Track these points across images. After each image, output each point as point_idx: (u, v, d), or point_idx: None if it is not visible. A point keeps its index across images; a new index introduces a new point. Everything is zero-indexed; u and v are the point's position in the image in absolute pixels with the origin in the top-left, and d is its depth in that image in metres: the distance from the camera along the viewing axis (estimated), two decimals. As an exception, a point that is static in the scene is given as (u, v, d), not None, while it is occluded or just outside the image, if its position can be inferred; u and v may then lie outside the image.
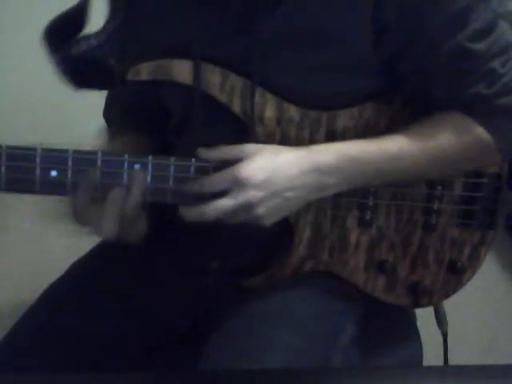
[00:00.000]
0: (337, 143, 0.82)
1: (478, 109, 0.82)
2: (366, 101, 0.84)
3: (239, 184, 0.76)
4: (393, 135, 0.82)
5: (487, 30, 0.78)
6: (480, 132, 0.82)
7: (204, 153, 0.79)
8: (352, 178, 0.81)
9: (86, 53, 0.81)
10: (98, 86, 0.89)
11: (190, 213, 0.78)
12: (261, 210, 0.77)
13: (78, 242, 0.81)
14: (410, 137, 0.82)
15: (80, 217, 0.78)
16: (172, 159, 0.78)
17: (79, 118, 1.01)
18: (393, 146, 0.82)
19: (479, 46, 0.78)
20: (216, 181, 0.77)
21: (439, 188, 0.89)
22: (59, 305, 0.91)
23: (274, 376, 0.72)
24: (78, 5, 0.82)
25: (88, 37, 0.82)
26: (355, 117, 0.84)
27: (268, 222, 0.79)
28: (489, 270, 0.95)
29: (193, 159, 0.79)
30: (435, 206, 0.90)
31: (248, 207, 0.76)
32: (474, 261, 0.94)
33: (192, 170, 0.79)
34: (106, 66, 0.82)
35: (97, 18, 0.86)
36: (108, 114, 1.01)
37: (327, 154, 0.80)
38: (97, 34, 0.83)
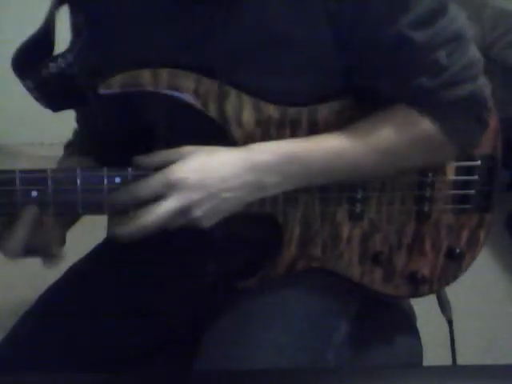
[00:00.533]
0: (277, 142, 0.79)
1: (422, 101, 0.79)
2: (347, 93, 0.82)
3: (172, 187, 0.72)
4: (337, 132, 0.80)
5: (431, 18, 0.75)
6: (426, 125, 0.80)
7: (140, 160, 0.75)
8: (294, 176, 0.79)
9: (56, 74, 0.80)
10: (74, 105, 0.88)
11: (125, 229, 0.73)
12: (197, 213, 0.74)
13: (77, 242, 0.81)
14: (354, 133, 0.80)
15: None
16: (105, 169, 0.74)
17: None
18: (336, 143, 0.80)
19: (421, 35, 0.75)
20: (147, 185, 0.73)
21: (430, 175, 0.89)
22: (59, 306, 0.91)
23: (275, 376, 0.72)
24: (42, 28, 0.82)
25: (56, 58, 0.81)
26: (336, 110, 0.82)
27: (207, 224, 0.76)
28: (489, 270, 0.95)
29: (129, 168, 0.75)
30: (427, 194, 0.89)
31: (183, 210, 0.73)
32: (473, 246, 0.93)
33: (130, 179, 0.75)
34: (77, 85, 0.81)
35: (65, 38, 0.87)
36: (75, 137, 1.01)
37: (265, 152, 0.78)
38: (64, 54, 0.82)
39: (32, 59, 0.81)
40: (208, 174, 0.74)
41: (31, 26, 0.83)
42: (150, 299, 0.93)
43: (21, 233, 0.72)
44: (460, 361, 1.07)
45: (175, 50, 0.78)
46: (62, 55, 0.82)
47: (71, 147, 0.99)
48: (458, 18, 0.78)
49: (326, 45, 0.77)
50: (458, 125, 0.81)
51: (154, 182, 0.73)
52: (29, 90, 0.81)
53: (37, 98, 0.82)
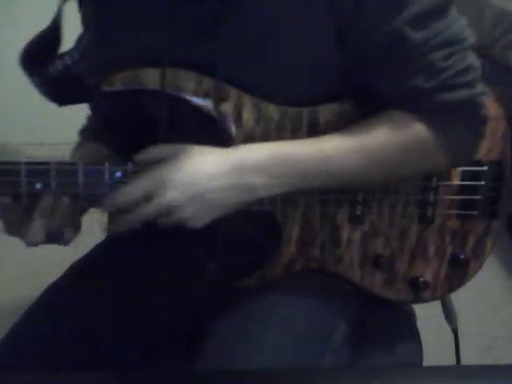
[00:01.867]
0: (268, 143, 0.79)
1: (416, 102, 0.78)
2: (347, 95, 0.82)
3: (159, 186, 0.73)
4: (330, 135, 0.80)
5: (428, 18, 0.74)
6: (419, 129, 0.79)
7: (137, 156, 0.77)
8: (282, 178, 0.78)
9: (63, 71, 0.82)
10: (79, 101, 0.89)
11: (116, 226, 0.77)
12: (184, 213, 0.74)
13: (78, 242, 0.81)
14: (347, 136, 0.79)
15: (11, 227, 0.77)
16: (106, 164, 0.76)
17: (79, 118, 1.01)
18: (328, 146, 0.79)
19: (417, 35, 0.74)
20: (137, 186, 0.74)
21: (434, 179, 0.88)
22: (59, 305, 0.91)
23: (275, 376, 0.72)
24: (50, 26, 0.82)
25: (62, 55, 0.83)
26: (336, 112, 0.82)
27: (196, 224, 0.76)
28: (489, 269, 0.95)
29: (129, 163, 0.77)
30: (431, 198, 0.89)
31: (170, 210, 0.74)
32: (479, 253, 0.92)
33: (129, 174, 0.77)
34: (83, 82, 0.82)
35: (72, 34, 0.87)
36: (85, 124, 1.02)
37: (254, 153, 0.77)
38: (70, 52, 0.83)
39: (39, 56, 0.82)
40: (195, 174, 0.75)
41: (31, 27, 0.84)
42: (149, 299, 0.93)
43: (40, 221, 0.75)
44: (460, 361, 1.07)
45: (177, 48, 0.78)
46: (68, 52, 0.82)
47: (86, 133, 1.00)
48: (459, 23, 0.77)
49: (327, 44, 0.77)
50: (450, 130, 0.80)
51: (143, 182, 0.74)
52: (35, 85, 0.82)
53: (43, 93, 0.83)
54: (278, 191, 0.78)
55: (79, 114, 1.00)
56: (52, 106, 0.89)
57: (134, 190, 0.74)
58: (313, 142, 0.79)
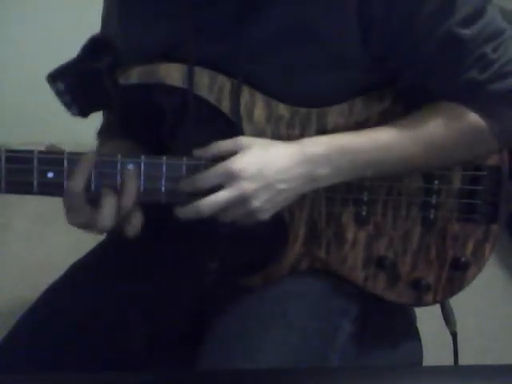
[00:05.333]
0: (329, 135, 0.82)
1: (471, 95, 0.81)
2: (356, 97, 0.84)
3: (232, 177, 0.76)
4: (384, 126, 0.83)
5: (476, 16, 0.78)
6: (473, 119, 0.82)
7: (198, 151, 0.80)
8: (343, 168, 0.81)
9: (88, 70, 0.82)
10: (99, 103, 0.88)
11: (185, 211, 0.78)
12: (255, 203, 0.77)
13: (78, 241, 0.81)
14: (401, 127, 0.82)
15: (74, 216, 0.78)
16: (164, 158, 0.79)
17: (79, 118, 1.01)
18: (383, 136, 0.82)
19: (469, 32, 0.78)
20: (209, 176, 0.78)
21: (436, 182, 0.89)
22: (59, 305, 0.91)
23: (274, 376, 0.72)
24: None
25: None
26: (345, 113, 0.84)
27: (264, 216, 0.79)
28: (489, 269, 0.95)
29: (184, 158, 0.79)
30: (433, 201, 0.89)
31: (242, 200, 0.77)
32: (479, 256, 0.93)
33: (184, 168, 0.79)
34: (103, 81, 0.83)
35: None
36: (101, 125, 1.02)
37: (318, 145, 0.80)
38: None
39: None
40: (265, 165, 0.77)
41: (31, 27, 0.84)
42: (150, 299, 0.93)
43: (109, 212, 0.77)
44: (460, 361, 1.07)
45: (197, 45, 0.80)
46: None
47: (103, 133, 1.01)
48: (497, 16, 0.81)
49: (351, 49, 0.79)
50: (502, 118, 0.83)
51: (216, 172, 0.77)
52: (59, 94, 0.82)
53: (67, 104, 0.83)
54: (337, 180, 0.82)
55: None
56: (52, 106, 0.89)
57: (211, 176, 0.77)
58: (371, 132, 0.82)
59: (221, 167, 0.77)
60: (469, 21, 0.78)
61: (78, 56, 0.83)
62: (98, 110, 0.89)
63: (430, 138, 0.82)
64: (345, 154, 0.80)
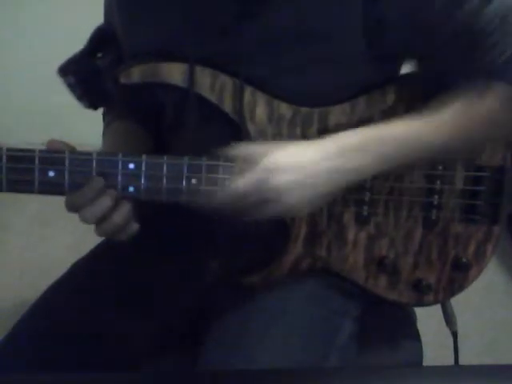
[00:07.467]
0: (362, 127, 0.81)
1: (490, 78, 0.80)
2: (358, 96, 0.84)
3: (268, 172, 0.74)
4: (411, 116, 0.81)
5: (483, 3, 0.77)
6: (491, 102, 0.81)
7: (225, 152, 0.77)
8: (384, 157, 0.80)
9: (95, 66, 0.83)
10: (104, 98, 0.89)
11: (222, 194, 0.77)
12: (290, 198, 0.75)
13: (78, 242, 0.81)
14: (427, 114, 0.81)
15: (72, 203, 0.78)
16: (165, 158, 0.78)
17: (79, 118, 1.01)
18: (415, 124, 0.81)
19: (480, 19, 0.77)
20: (246, 180, 0.75)
21: (438, 182, 0.89)
22: (59, 305, 0.91)
23: (275, 376, 0.72)
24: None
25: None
26: (347, 112, 0.84)
27: (299, 212, 0.79)
28: (489, 269, 0.95)
29: (185, 157, 0.79)
30: (435, 201, 0.89)
31: (278, 193, 0.75)
32: (480, 257, 0.93)
33: (185, 168, 0.79)
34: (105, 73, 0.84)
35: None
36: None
37: (351, 136, 0.79)
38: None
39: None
40: (298, 160, 0.76)
41: (31, 27, 0.84)
42: (150, 298, 0.93)
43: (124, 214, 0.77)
44: (460, 361, 1.07)
45: (198, 44, 0.79)
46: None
47: (109, 115, 1.01)
48: None
49: (353, 48, 0.79)
50: None
51: (255, 173, 0.75)
52: (70, 87, 0.83)
53: (78, 97, 0.84)
54: (377, 170, 0.81)
55: (79, 114, 1.00)
56: (52, 107, 0.89)
57: (246, 180, 0.75)
58: (400, 122, 0.81)
59: (259, 167, 0.75)
60: (478, 8, 0.77)
61: (84, 49, 0.83)
62: (106, 104, 0.89)
63: (455, 122, 0.81)
64: (384, 142, 0.79)
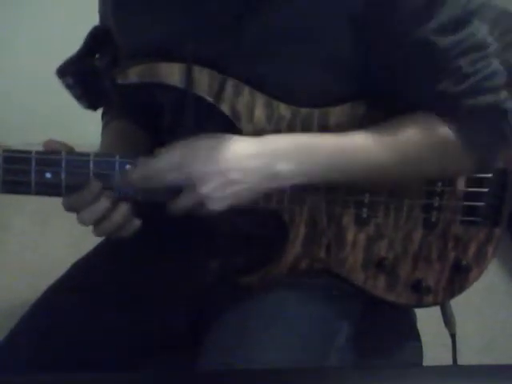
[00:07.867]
0: (295, 134, 0.80)
1: (445, 106, 0.79)
2: (359, 97, 0.83)
3: (185, 158, 0.75)
4: (358, 130, 0.80)
5: (456, 26, 0.76)
6: (446, 132, 0.80)
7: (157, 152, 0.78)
8: (305, 166, 0.78)
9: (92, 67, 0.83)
10: (102, 99, 0.89)
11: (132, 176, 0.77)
12: (206, 188, 0.74)
13: (78, 241, 0.81)
14: (375, 132, 0.80)
15: (69, 205, 0.78)
16: None
17: (79, 118, 1.01)
18: (350, 140, 0.79)
19: (445, 41, 0.75)
20: (164, 158, 0.76)
21: (439, 184, 0.89)
22: (59, 305, 0.91)
23: (274, 376, 0.72)
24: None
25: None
26: (347, 113, 0.83)
27: (214, 206, 0.76)
28: (489, 270, 0.95)
29: None
30: (436, 203, 0.89)
31: (193, 182, 0.74)
32: (481, 259, 0.93)
33: None
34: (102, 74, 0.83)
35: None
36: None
37: (281, 140, 0.79)
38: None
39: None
40: (223, 152, 0.75)
41: (31, 27, 0.84)
42: (150, 298, 0.93)
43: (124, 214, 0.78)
44: (460, 361, 1.07)
45: (196, 44, 0.79)
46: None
47: (108, 115, 1.01)
48: (483, 30, 0.78)
49: (345, 49, 0.78)
50: (476, 134, 0.80)
51: (169, 156, 0.75)
52: (69, 88, 0.83)
53: (77, 98, 0.84)
54: (299, 180, 0.79)
55: (79, 114, 1.00)
56: (52, 107, 0.89)
57: (159, 162, 0.76)
58: (340, 135, 0.80)
59: (170, 153, 0.76)
60: (447, 30, 0.75)
61: (81, 50, 0.83)
62: (105, 104, 0.89)
63: (401, 147, 0.80)
64: (313, 152, 0.78)
